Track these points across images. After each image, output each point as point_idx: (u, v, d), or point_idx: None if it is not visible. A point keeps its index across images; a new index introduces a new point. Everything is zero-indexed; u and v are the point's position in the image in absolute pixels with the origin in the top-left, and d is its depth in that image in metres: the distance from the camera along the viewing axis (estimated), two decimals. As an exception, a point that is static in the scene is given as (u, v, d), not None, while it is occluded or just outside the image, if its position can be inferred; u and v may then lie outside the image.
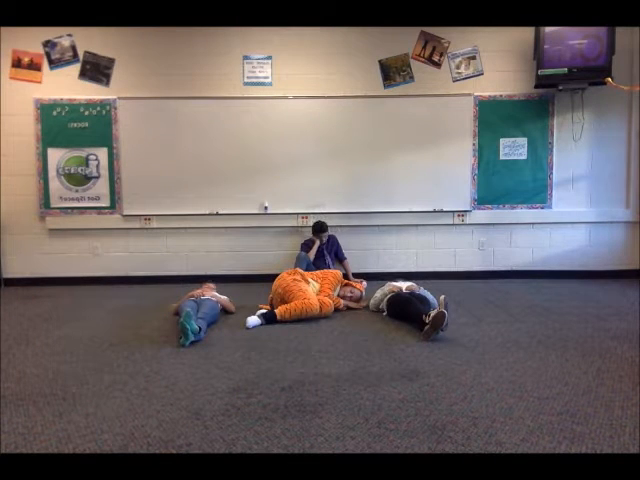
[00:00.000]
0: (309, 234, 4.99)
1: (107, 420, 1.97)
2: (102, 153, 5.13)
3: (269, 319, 3.44)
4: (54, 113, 5.07)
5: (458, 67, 5.16)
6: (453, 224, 5.29)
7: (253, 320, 3.40)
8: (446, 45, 5.14)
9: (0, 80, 5.04)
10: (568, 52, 4.73)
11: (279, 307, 3.52)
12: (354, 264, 5.18)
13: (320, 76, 5.15)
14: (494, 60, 5.15)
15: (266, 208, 5.17)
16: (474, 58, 5.15)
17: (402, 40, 5.11)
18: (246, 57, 5.15)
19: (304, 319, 3.50)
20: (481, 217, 5.26)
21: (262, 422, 1.93)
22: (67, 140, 5.09)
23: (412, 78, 5.16)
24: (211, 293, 3.81)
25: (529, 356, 2.71)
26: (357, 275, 5.14)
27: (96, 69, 5.09)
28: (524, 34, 5.02)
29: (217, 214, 5.18)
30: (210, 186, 5.15)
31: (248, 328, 3.34)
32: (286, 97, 5.12)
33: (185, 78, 5.12)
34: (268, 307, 3.78)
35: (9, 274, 5.22)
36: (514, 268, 5.32)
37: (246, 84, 5.16)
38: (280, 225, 5.25)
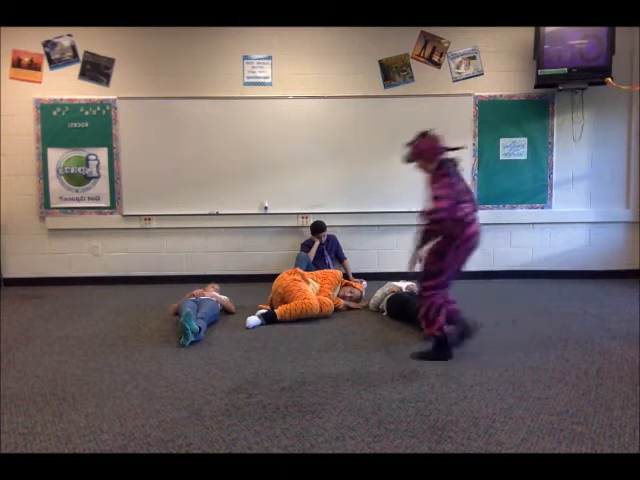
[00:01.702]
0: (309, 234, 4.99)
1: (107, 420, 1.97)
2: (102, 153, 5.13)
3: (269, 319, 3.44)
4: (54, 113, 5.06)
5: (458, 67, 5.16)
6: (453, 224, 5.28)
7: (253, 320, 3.40)
8: (446, 45, 5.14)
9: (0, 80, 5.04)
10: (568, 52, 4.72)
11: (279, 307, 3.52)
12: (354, 264, 5.18)
13: (320, 76, 5.15)
14: (494, 60, 5.15)
15: (266, 208, 5.17)
16: (474, 58, 5.15)
17: (402, 40, 5.10)
18: (246, 57, 5.14)
19: (304, 319, 3.50)
20: (481, 217, 5.22)
21: (262, 422, 1.93)
22: (67, 140, 5.09)
23: (412, 78, 5.16)
24: (211, 293, 3.81)
25: (529, 356, 2.71)
26: (357, 275, 5.14)
27: (96, 69, 5.09)
28: (524, 34, 5.02)
29: (217, 214, 5.18)
30: (210, 186, 5.15)
31: (248, 328, 3.34)
32: (286, 97, 5.12)
33: (185, 78, 5.12)
34: (268, 307, 3.77)
35: (9, 274, 5.22)
36: (514, 268, 5.31)
37: (246, 84, 5.15)
38: (280, 225, 5.24)
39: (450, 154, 2.80)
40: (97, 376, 2.48)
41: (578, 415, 1.97)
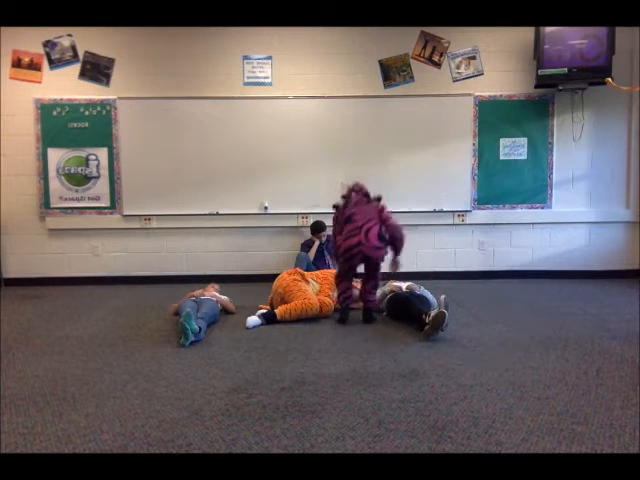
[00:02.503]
0: (309, 234, 4.99)
1: (107, 420, 1.97)
2: (102, 153, 5.13)
3: (269, 319, 3.44)
4: (54, 113, 5.07)
5: (458, 67, 5.16)
6: (453, 224, 5.29)
7: (253, 320, 3.40)
8: (446, 45, 5.14)
9: (0, 80, 5.04)
10: (568, 52, 4.73)
11: (279, 307, 3.53)
12: (354, 264, 5.17)
13: (320, 76, 5.15)
14: (494, 60, 5.15)
15: (266, 208, 5.17)
16: (474, 58, 5.15)
17: (402, 40, 5.11)
18: (246, 57, 5.15)
19: (304, 319, 3.50)
20: (481, 217, 5.26)
21: (262, 422, 1.93)
22: (67, 140, 5.09)
23: (412, 78, 5.16)
24: (211, 293, 3.81)
25: (529, 356, 2.71)
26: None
27: (96, 69, 5.09)
28: (524, 34, 5.02)
29: (217, 214, 5.18)
30: (210, 186, 5.15)
31: (248, 328, 3.34)
32: (286, 97, 5.12)
33: (185, 78, 5.12)
34: (268, 307, 3.77)
35: (9, 274, 5.22)
36: (514, 268, 5.32)
37: (246, 84, 5.16)
38: (280, 225, 5.25)
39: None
40: (97, 376, 2.47)
41: (578, 415, 1.97)
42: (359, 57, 5.14)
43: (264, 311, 3.55)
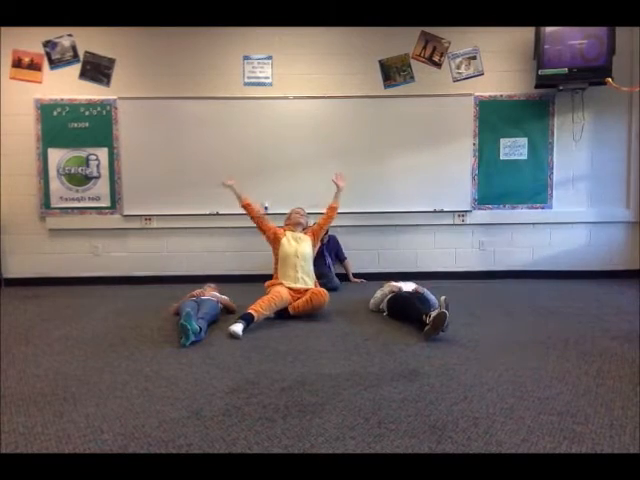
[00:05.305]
0: (309, 234, 4.98)
1: (107, 420, 1.97)
2: (102, 153, 5.13)
3: (248, 320, 3.28)
4: (54, 113, 5.07)
5: (458, 67, 5.16)
6: (453, 224, 5.29)
7: (238, 329, 3.18)
8: (446, 45, 5.14)
9: (0, 80, 5.04)
10: (568, 52, 4.73)
11: (250, 307, 3.39)
12: (354, 264, 5.18)
13: (320, 76, 5.15)
14: (494, 60, 5.15)
15: (266, 208, 5.17)
16: (474, 58, 5.15)
17: (402, 40, 5.11)
18: (246, 57, 5.15)
19: (306, 316, 3.49)
20: (481, 217, 5.26)
21: (262, 422, 1.93)
22: (67, 140, 5.09)
23: (412, 78, 5.16)
24: (211, 293, 3.81)
25: (529, 356, 2.71)
26: (357, 275, 5.15)
27: (96, 69, 5.09)
28: (524, 34, 5.02)
29: (217, 214, 5.18)
30: (210, 186, 5.15)
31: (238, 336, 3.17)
32: (286, 97, 5.12)
33: (185, 78, 5.12)
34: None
35: (9, 274, 5.22)
36: (514, 268, 5.32)
37: (246, 84, 5.16)
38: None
39: None
40: (97, 376, 2.47)
41: (578, 415, 1.97)
42: (359, 57, 5.14)
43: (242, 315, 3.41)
